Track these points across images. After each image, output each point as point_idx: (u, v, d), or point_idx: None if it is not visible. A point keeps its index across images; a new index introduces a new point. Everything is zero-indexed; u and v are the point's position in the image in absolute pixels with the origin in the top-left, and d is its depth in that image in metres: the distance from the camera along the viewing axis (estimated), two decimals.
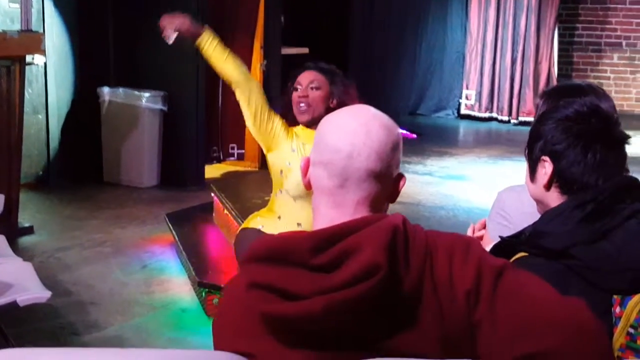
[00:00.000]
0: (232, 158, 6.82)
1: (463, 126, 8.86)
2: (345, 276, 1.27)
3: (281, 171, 3.19)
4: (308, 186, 1.49)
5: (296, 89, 3.18)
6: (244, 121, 7.30)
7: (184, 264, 4.48)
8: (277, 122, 3.21)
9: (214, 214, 5.23)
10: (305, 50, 7.23)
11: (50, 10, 5.71)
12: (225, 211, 4.89)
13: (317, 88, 3.16)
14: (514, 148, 6.95)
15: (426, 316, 1.29)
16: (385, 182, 1.43)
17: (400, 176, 1.46)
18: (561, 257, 1.57)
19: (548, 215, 1.66)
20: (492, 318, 1.27)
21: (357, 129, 1.41)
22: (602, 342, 1.26)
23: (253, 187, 5.60)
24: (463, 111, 9.20)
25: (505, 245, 1.68)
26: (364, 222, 1.34)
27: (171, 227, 4.86)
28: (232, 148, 6.82)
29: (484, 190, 5.23)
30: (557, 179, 1.68)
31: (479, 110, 9.08)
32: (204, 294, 4.01)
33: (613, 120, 1.69)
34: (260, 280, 1.31)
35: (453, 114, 9.29)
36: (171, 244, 4.74)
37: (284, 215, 3.23)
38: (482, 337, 1.28)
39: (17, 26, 5.09)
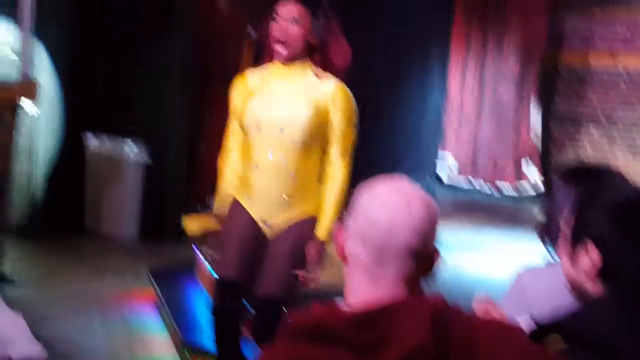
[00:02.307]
0: (209, 210, 6.84)
1: (441, 191, 8.96)
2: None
3: (259, 128, 3.04)
4: (342, 258, 1.46)
5: (275, 20, 2.98)
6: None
7: (166, 322, 4.45)
8: (241, 115, 3.09)
9: (195, 269, 5.21)
10: None
11: (42, 57, 5.76)
12: (210, 267, 4.88)
13: (297, 21, 2.95)
14: (496, 217, 7.07)
15: None
16: (423, 258, 1.41)
17: (436, 252, 1.44)
18: (603, 347, 1.53)
19: (590, 304, 1.63)
20: None
21: (397, 204, 1.39)
22: None
23: None
24: (441, 175, 9.31)
25: (539, 328, 1.63)
26: (406, 303, 1.34)
27: (153, 283, 4.85)
28: (210, 200, 6.85)
29: (470, 260, 5.30)
30: (602, 267, 1.62)
31: (458, 175, 9.20)
32: (187, 354, 3.97)
33: None
34: (302, 357, 1.31)
35: (431, 178, 9.38)
36: (152, 300, 4.74)
37: (244, 163, 3.15)
38: None
39: (10, 73, 5.13)
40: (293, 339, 1.34)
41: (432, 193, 8.59)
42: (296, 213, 3.09)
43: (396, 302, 1.34)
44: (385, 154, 9.06)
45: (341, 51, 3.08)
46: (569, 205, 1.81)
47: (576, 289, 1.71)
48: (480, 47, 9.15)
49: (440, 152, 9.35)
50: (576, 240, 1.67)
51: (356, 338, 1.29)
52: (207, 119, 6.67)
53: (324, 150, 3.10)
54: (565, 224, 1.72)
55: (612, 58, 8.69)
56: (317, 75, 3.06)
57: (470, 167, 9.15)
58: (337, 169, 3.09)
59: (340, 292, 1.46)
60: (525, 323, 1.66)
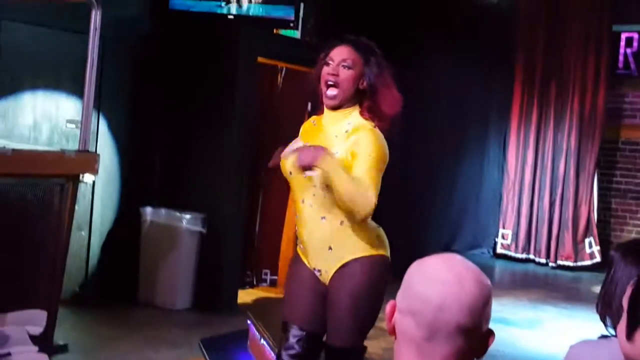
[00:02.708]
0: (264, 284, 6.87)
1: (499, 266, 8.87)
2: None
3: (291, 174, 3.04)
4: (392, 332, 1.44)
5: (327, 64, 2.98)
6: (278, 247, 7.41)
7: None
8: None
9: (249, 342, 5.21)
10: None
11: (103, 130, 5.97)
12: (262, 340, 4.88)
13: (349, 67, 2.96)
14: (555, 293, 6.96)
15: None
16: (475, 338, 1.38)
17: (490, 332, 1.42)
18: None
19: None
20: None
21: (449, 281, 1.37)
22: None
23: None
24: (499, 250, 9.24)
25: None
26: None
27: (205, 354, 4.86)
28: (265, 274, 6.88)
29: (528, 336, 5.21)
30: None
31: (516, 250, 9.10)
32: None
33: None
34: None
35: (488, 252, 9.32)
36: None
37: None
38: None
39: (72, 145, 5.31)
40: None
41: (490, 268, 8.56)
42: (342, 259, 3.02)
43: None
44: (442, 229, 9.04)
45: (391, 99, 3.04)
46: (630, 284, 1.76)
47: None
48: (540, 121, 9.13)
49: (498, 228, 9.28)
50: (637, 320, 1.63)
51: None
52: (264, 192, 6.77)
53: None
54: (627, 304, 1.68)
55: None
56: (354, 118, 3.01)
57: (528, 242, 9.06)
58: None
59: None
60: None
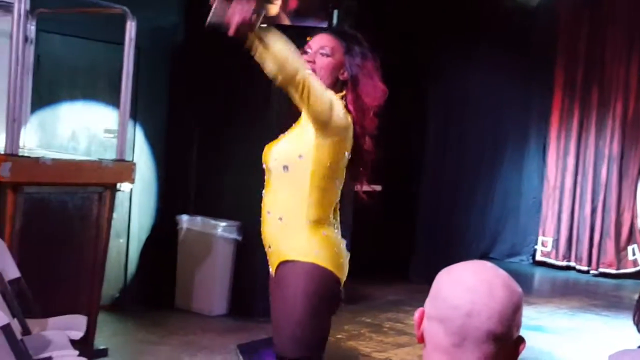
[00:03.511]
0: None
1: (538, 273, 8.82)
2: None
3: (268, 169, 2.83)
4: (420, 340, 1.43)
5: (305, 52, 2.77)
6: None
7: None
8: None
9: None
10: (378, 188, 7.33)
11: (140, 139, 6.13)
12: None
13: (327, 55, 2.75)
14: (596, 301, 6.91)
15: None
16: (505, 345, 1.37)
17: (521, 339, 1.40)
18: None
19: None
20: None
21: (478, 287, 1.36)
22: None
23: None
24: (538, 257, 9.17)
25: None
26: None
27: (241, 359, 4.97)
28: None
29: (567, 344, 5.18)
30: None
31: (556, 258, 9.03)
32: None
33: None
34: None
35: (527, 259, 9.26)
36: None
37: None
38: None
39: (110, 154, 5.47)
40: None
41: (529, 276, 8.53)
42: (278, 258, 2.81)
43: None
44: (481, 237, 9.01)
45: (373, 90, 2.81)
46: None
47: None
48: (580, 127, 9.07)
49: (538, 235, 9.23)
50: None
51: None
52: None
53: (311, 188, 2.78)
54: None
55: None
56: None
57: (569, 249, 8.98)
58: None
59: None
60: None
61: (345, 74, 2.76)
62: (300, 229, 2.76)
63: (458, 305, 1.35)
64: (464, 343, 1.34)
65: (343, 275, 2.82)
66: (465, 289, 1.36)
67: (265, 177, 2.86)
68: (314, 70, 2.69)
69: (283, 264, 2.77)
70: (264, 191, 2.86)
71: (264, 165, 2.86)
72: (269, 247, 2.85)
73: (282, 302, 2.77)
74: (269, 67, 2.60)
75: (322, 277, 2.73)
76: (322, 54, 2.74)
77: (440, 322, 1.37)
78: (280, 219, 2.76)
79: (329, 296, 2.76)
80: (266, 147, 2.87)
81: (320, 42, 2.77)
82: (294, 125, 2.88)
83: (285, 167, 2.77)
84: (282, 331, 2.77)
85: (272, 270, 2.87)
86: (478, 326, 1.34)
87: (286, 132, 2.90)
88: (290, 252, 2.76)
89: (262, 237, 2.88)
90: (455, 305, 1.35)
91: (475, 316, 1.34)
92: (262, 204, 2.85)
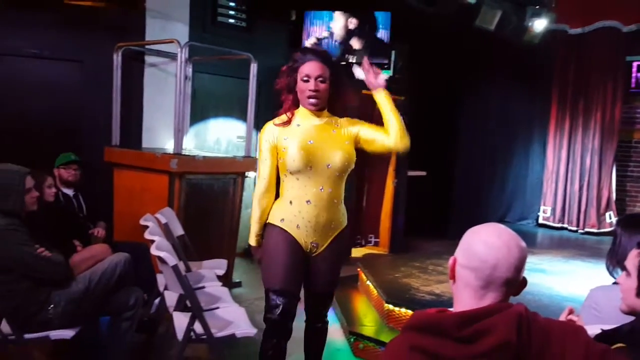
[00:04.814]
0: (370, 244, 6.89)
1: (541, 233, 8.54)
2: (484, 348, 1.23)
3: (284, 149, 2.58)
4: (452, 277, 1.40)
5: (306, 81, 2.58)
6: (379, 218, 7.29)
7: (338, 316, 4.55)
8: (279, 153, 2.59)
9: (359, 283, 5.29)
10: (424, 173, 7.24)
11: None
12: (367, 282, 4.94)
13: (323, 81, 2.59)
14: (583, 252, 6.65)
15: None
16: (515, 284, 1.36)
17: (524, 280, 1.39)
18: None
19: None
20: None
21: (501, 247, 1.33)
22: None
23: (387, 266, 5.61)
24: (541, 221, 8.88)
25: (605, 336, 1.54)
26: (497, 308, 1.29)
27: None
28: (370, 237, 6.88)
29: (561, 281, 5.02)
30: None
31: (554, 221, 8.74)
32: (352, 339, 4.02)
33: None
34: (419, 345, 1.27)
35: (532, 222, 8.98)
36: None
37: (293, 199, 2.59)
38: None
39: (240, 152, 5.55)
40: (412, 330, 1.30)
41: (534, 235, 8.26)
42: (335, 230, 2.71)
43: (490, 307, 1.30)
44: (498, 205, 8.83)
45: (349, 94, 2.80)
46: (629, 246, 1.72)
47: (634, 311, 1.60)
48: (571, 129, 8.75)
49: (540, 205, 8.96)
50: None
51: (458, 332, 1.25)
52: (368, 180, 6.80)
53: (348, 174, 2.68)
54: (636, 269, 1.61)
55: None
56: (333, 118, 2.71)
57: (563, 215, 8.70)
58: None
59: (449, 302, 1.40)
60: (594, 332, 1.55)
61: (332, 90, 2.64)
62: (342, 206, 2.71)
63: (486, 260, 1.32)
64: (488, 286, 1.33)
65: None
66: (491, 248, 1.32)
67: (316, 174, 2.59)
68: (318, 98, 2.59)
69: (342, 232, 2.73)
70: (320, 187, 2.59)
71: (300, 164, 2.57)
72: (332, 225, 2.68)
73: (337, 256, 2.73)
74: None
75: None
76: (320, 81, 2.59)
77: (471, 270, 1.34)
78: (336, 201, 2.65)
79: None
80: (301, 148, 2.58)
81: (316, 72, 2.58)
82: (296, 124, 2.63)
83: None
84: (330, 276, 2.74)
85: (322, 245, 2.69)
86: (500, 275, 1.32)
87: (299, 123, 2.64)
88: (343, 223, 2.74)
89: (317, 221, 2.63)
90: (484, 260, 1.32)
91: (499, 268, 1.31)
92: (326, 197, 2.61)
